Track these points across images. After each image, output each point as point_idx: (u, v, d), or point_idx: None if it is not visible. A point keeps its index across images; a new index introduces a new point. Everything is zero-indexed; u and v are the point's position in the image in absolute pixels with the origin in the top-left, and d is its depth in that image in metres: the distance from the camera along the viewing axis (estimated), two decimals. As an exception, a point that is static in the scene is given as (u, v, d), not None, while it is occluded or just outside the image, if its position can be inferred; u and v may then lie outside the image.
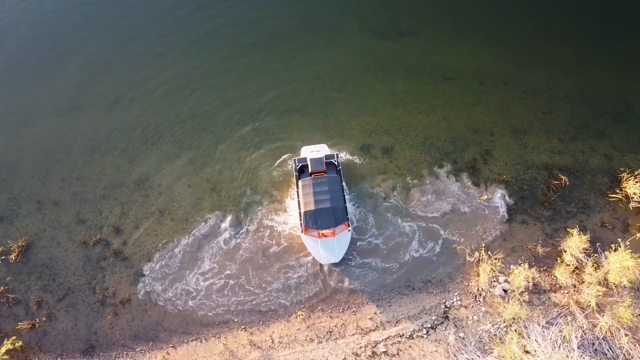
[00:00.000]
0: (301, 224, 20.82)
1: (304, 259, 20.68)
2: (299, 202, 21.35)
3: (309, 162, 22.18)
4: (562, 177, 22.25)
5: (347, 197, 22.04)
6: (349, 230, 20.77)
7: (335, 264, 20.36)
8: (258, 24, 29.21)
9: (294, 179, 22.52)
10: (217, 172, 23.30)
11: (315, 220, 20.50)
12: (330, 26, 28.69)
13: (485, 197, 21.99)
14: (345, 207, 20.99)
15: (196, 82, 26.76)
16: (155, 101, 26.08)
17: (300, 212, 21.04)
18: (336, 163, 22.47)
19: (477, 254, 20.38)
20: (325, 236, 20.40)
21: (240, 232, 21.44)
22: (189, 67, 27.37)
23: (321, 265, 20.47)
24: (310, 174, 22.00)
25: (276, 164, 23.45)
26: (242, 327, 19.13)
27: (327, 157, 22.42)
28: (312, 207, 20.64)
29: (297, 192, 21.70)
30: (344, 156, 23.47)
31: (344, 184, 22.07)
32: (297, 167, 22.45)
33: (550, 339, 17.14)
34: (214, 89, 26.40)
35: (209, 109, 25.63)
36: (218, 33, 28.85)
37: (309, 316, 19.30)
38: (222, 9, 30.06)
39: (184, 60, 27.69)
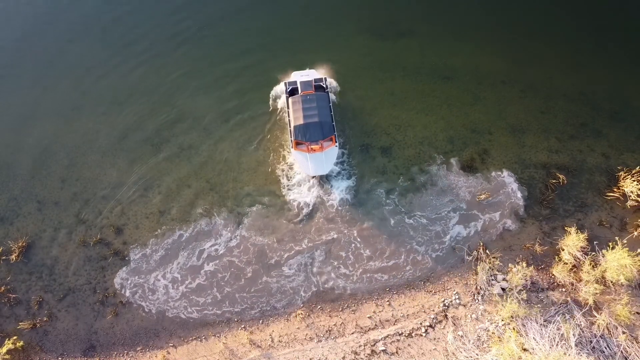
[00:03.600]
0: (292, 140, 22.26)
1: (296, 259, 20.79)
2: (289, 119, 23.01)
3: (298, 85, 23.81)
4: (560, 175, 22.35)
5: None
6: (336, 146, 22.22)
7: (323, 277, 20.49)
8: (256, 23, 29.27)
9: (285, 100, 24.12)
10: (217, 172, 23.39)
11: (304, 134, 22.04)
12: (329, 26, 28.72)
13: (483, 196, 22.09)
14: (333, 122, 22.54)
15: (196, 85, 26.82)
16: (155, 103, 26.16)
17: (290, 128, 22.59)
18: (325, 86, 24.22)
19: (475, 252, 20.49)
20: (314, 151, 21.88)
21: (239, 230, 21.52)
22: (189, 70, 27.38)
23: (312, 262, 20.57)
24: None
25: (277, 163, 23.51)
26: (242, 326, 19.22)
27: (316, 80, 24.13)
28: (301, 121, 22.25)
29: (288, 110, 23.32)
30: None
31: (331, 104, 23.81)
32: (288, 90, 24.09)
33: (548, 336, 17.22)
34: (214, 92, 26.39)
35: (210, 111, 25.66)
36: (215, 38, 28.86)
37: (309, 315, 19.39)
38: (217, 7, 30.12)
39: (184, 65, 27.69)
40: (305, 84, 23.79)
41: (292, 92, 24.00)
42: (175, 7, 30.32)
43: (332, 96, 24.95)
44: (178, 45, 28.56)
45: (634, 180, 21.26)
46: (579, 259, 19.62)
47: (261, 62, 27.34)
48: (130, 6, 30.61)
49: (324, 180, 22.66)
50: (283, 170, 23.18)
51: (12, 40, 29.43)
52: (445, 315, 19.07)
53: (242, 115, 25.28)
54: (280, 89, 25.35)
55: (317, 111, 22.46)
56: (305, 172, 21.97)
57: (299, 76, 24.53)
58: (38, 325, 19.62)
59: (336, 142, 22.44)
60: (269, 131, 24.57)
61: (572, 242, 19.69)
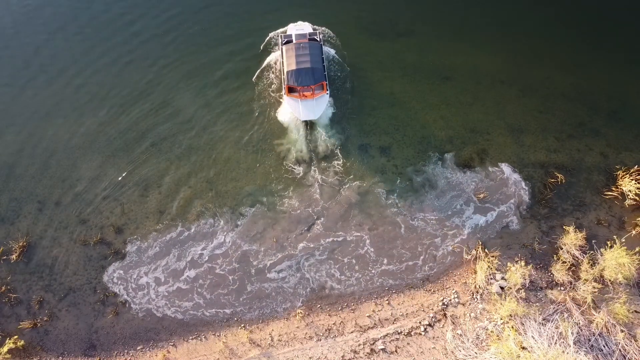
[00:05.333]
0: (284, 85, 23.83)
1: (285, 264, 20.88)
2: (282, 66, 24.22)
3: (293, 37, 25.38)
4: (558, 175, 22.44)
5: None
6: (327, 93, 23.59)
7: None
8: (249, 17, 29.38)
9: (280, 49, 25.73)
10: (217, 172, 23.45)
11: (296, 79, 23.38)
12: (327, 25, 28.78)
13: (482, 195, 22.18)
14: (325, 70, 24.19)
15: (196, 85, 26.89)
16: (155, 103, 26.23)
17: (283, 75, 23.69)
18: (318, 38, 25.56)
19: (474, 251, 20.57)
20: (306, 97, 22.93)
21: (235, 232, 21.62)
22: (190, 71, 27.45)
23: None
24: None
25: (277, 162, 23.59)
26: (242, 325, 19.29)
27: (310, 33, 25.63)
28: (293, 67, 23.60)
29: (282, 60, 24.86)
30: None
31: (324, 56, 25.27)
32: (284, 42, 25.46)
33: (547, 335, 17.30)
34: (212, 97, 26.34)
35: (209, 111, 25.72)
36: (208, 30, 29.18)
37: (308, 314, 19.47)
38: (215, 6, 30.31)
39: (184, 65, 27.79)
40: (300, 35, 25.62)
41: (286, 43, 25.60)
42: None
43: (332, 50, 26.91)
44: (169, 39, 28.95)
45: (632, 179, 21.35)
46: (577, 257, 19.70)
47: (254, 57, 27.48)
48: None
49: (324, 181, 22.78)
50: (283, 169, 23.28)
51: (13, 39, 29.50)
52: (444, 314, 19.15)
53: (242, 114, 25.40)
54: (275, 34, 27.40)
55: (309, 58, 23.74)
56: (297, 116, 23.21)
57: (294, 29, 26.12)
58: (39, 324, 19.69)
59: (327, 89, 23.61)
60: (269, 131, 24.67)
61: (571, 241, 19.79)
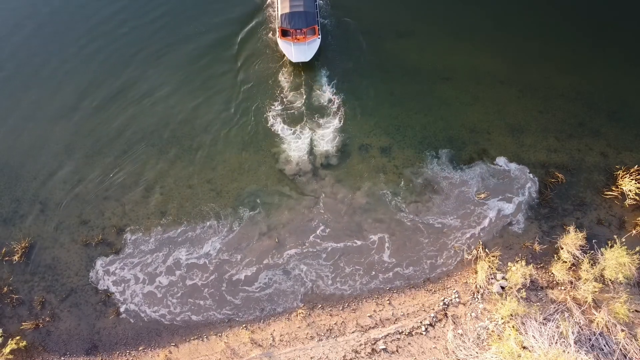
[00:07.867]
0: (278, 27, 25.47)
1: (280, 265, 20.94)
2: (277, 10, 26.24)
3: None
4: (558, 175, 22.50)
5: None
6: (319, 38, 25.29)
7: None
8: (243, 17, 29.40)
9: None
10: (218, 172, 23.47)
11: (289, 21, 25.03)
12: (327, 26, 28.89)
13: (483, 195, 22.24)
14: (318, 17, 25.91)
15: (197, 88, 26.93)
16: (155, 103, 26.27)
17: (277, 18, 25.90)
18: None
19: (474, 251, 20.63)
20: (298, 41, 24.85)
21: (232, 234, 21.68)
22: (193, 72, 27.53)
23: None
24: None
25: (278, 162, 23.66)
26: (243, 325, 19.35)
27: None
28: (287, 10, 25.29)
29: (277, 4, 26.49)
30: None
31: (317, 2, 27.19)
32: None
33: (547, 334, 17.36)
34: (212, 104, 26.36)
35: (209, 113, 25.75)
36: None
37: (309, 314, 19.53)
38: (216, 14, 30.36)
39: (184, 64, 27.88)
40: None
41: None
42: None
43: None
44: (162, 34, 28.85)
45: (632, 179, 21.42)
46: (577, 257, 19.75)
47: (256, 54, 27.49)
48: None
49: (324, 181, 22.86)
50: (284, 170, 23.34)
51: (13, 41, 29.52)
52: (445, 314, 19.21)
53: (242, 115, 25.46)
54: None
55: (303, 2, 25.31)
56: (289, 58, 24.84)
57: None
58: (41, 325, 19.75)
59: (319, 34, 25.30)
60: (270, 132, 24.74)
61: (571, 240, 19.84)
